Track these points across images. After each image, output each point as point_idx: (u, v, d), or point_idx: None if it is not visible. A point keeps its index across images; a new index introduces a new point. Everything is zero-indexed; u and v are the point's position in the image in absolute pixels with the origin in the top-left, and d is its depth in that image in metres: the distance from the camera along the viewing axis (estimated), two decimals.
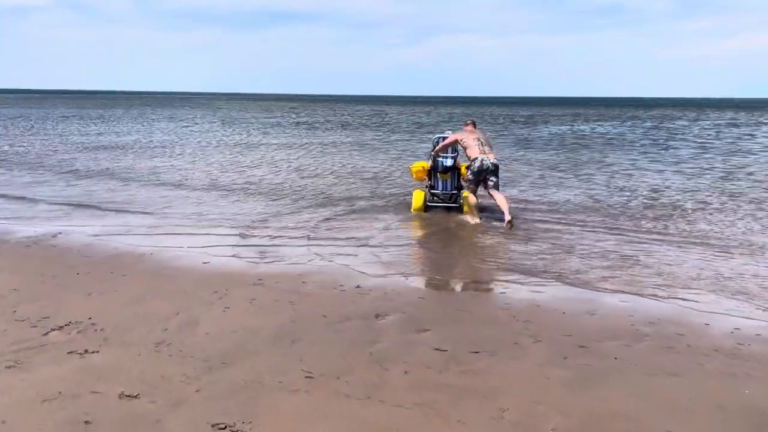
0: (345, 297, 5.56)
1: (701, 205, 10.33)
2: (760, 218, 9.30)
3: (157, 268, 6.48)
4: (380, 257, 7.00)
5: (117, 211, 9.67)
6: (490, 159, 8.80)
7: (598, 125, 37.14)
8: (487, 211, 9.21)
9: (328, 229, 8.39)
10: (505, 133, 30.20)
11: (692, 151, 20.30)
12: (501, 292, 5.84)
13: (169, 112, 52.22)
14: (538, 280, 6.20)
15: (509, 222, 8.33)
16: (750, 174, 14.43)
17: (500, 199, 8.69)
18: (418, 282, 6.13)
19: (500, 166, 8.98)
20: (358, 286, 5.86)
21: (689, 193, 11.60)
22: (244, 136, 26.35)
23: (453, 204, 9.60)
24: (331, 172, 14.59)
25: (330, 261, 6.81)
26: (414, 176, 9.90)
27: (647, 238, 7.94)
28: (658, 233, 8.27)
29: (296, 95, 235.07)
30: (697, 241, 7.85)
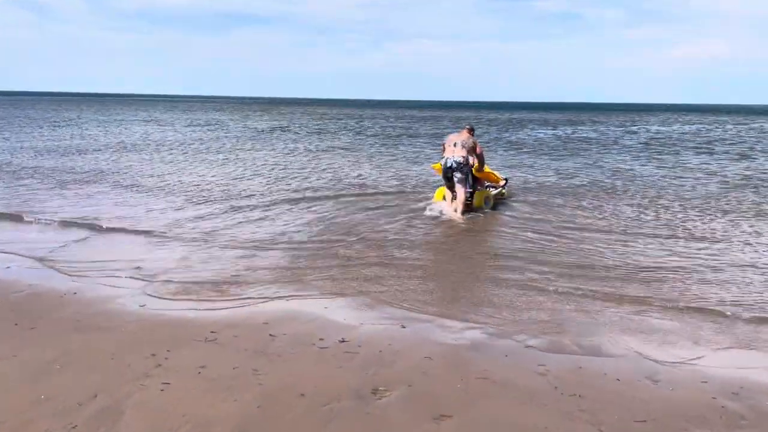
0: (328, 360, 4.19)
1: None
2: None
3: (79, 316, 4.99)
4: (364, 293, 5.65)
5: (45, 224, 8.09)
6: (454, 157, 9.22)
7: (571, 129, 36.61)
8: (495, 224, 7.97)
9: (300, 257, 6.99)
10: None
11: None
12: (527, 345, 4.55)
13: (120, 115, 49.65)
14: (570, 331, 4.95)
15: (455, 218, 9.04)
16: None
17: (459, 194, 9.24)
18: (419, 332, 4.78)
19: (465, 165, 9.18)
20: (342, 341, 4.50)
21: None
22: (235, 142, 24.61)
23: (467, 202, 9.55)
24: (308, 180, 13.15)
25: (302, 299, 5.42)
26: (438, 173, 9.99)
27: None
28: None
29: (256, 98, 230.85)
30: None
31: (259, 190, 11.78)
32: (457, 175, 9.20)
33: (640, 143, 25.68)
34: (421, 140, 26.08)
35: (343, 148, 21.37)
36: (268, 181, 12.93)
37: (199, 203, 10.20)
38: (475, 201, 9.67)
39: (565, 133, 32.57)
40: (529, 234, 8.20)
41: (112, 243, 7.51)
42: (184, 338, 4.51)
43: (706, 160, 18.79)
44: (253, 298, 5.46)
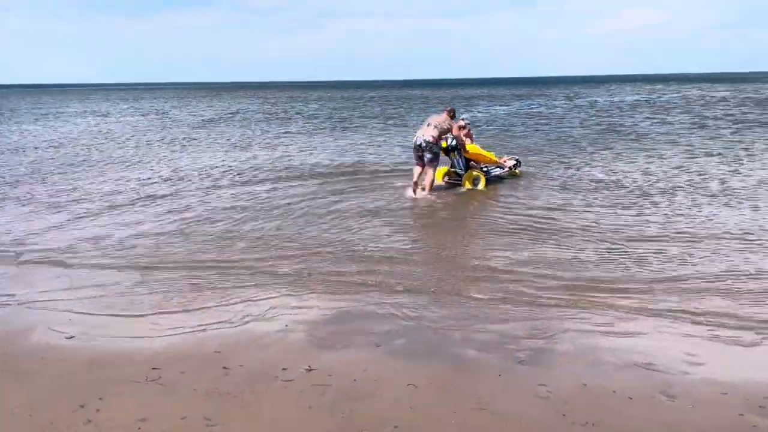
0: (295, 397, 3.54)
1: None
2: None
3: None
4: (328, 307, 5.00)
5: None
6: (424, 137, 9.42)
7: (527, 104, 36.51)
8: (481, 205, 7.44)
9: (254, 264, 6.28)
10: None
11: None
12: (520, 360, 3.99)
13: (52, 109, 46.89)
14: (561, 340, 4.43)
15: (415, 198, 9.21)
16: None
17: (427, 175, 9.44)
18: (397, 351, 4.16)
19: (435, 145, 9.38)
20: (309, 369, 3.86)
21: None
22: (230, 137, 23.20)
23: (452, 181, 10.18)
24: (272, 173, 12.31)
25: (259, 321, 4.73)
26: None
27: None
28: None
29: (190, 83, 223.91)
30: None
31: (205, 189, 10.91)
32: (427, 156, 9.41)
33: (593, 116, 25.66)
34: (376, 121, 25.41)
35: (299, 133, 20.50)
36: (231, 183, 12.02)
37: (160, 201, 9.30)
38: (464, 181, 9.93)
39: (518, 109, 32.40)
40: (508, 218, 7.71)
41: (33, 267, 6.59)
42: (121, 379, 3.78)
43: (668, 130, 18.93)
44: (202, 322, 4.73)
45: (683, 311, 4.74)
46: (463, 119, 10.64)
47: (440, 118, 9.78)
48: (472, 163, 10.22)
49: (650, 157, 13.16)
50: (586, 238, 6.76)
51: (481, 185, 9.95)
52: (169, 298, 5.21)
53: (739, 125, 19.71)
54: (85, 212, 8.73)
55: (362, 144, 17.18)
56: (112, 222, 8.15)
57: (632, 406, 3.39)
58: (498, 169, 10.63)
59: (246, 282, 5.59)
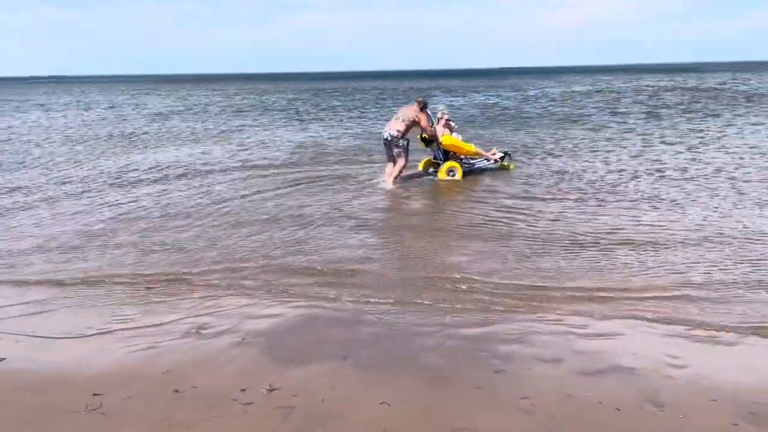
0: (257, 423, 3.18)
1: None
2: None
3: None
4: (290, 317, 4.64)
5: None
6: (389, 131, 9.49)
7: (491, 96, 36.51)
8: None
9: (212, 267, 5.85)
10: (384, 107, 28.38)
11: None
12: (498, 370, 3.72)
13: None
14: (535, 343, 4.20)
15: (387, 187, 9.30)
16: None
17: (397, 165, 9.52)
18: (366, 364, 3.84)
19: (400, 139, 9.43)
20: (271, 389, 3.51)
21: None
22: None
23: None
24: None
25: (209, 338, 4.33)
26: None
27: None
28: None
29: (138, 76, 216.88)
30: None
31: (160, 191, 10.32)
32: (394, 150, 9.50)
33: (548, 106, 25.81)
34: (333, 113, 24.93)
35: (257, 126, 19.88)
36: (184, 181, 11.42)
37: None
38: (440, 172, 9.95)
39: (474, 101, 32.39)
40: (476, 215, 7.48)
41: None
42: (57, 409, 3.36)
43: (623, 119, 19.20)
44: (150, 339, 4.30)
45: (659, 311, 4.56)
46: (441, 110, 10.57)
47: (409, 110, 9.69)
48: (451, 154, 10.17)
49: (609, 147, 13.19)
50: (554, 237, 6.55)
51: (457, 176, 9.89)
52: (112, 314, 4.74)
53: (691, 114, 20.11)
54: (19, 213, 8.09)
55: (322, 136, 16.84)
56: (45, 231, 7.54)
57: (621, 418, 3.17)
58: (484, 161, 10.50)
59: (198, 292, 5.15)
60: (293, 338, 4.23)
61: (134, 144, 16.11)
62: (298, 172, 10.95)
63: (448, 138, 10.12)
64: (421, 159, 10.67)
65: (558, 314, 4.52)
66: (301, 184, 9.80)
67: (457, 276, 5.38)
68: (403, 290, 5.09)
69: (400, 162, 9.53)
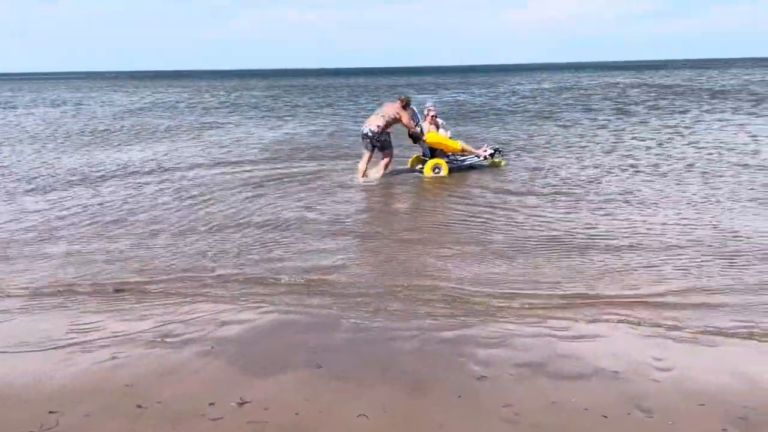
0: None
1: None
2: None
3: None
4: (260, 323, 4.43)
5: None
6: (369, 126, 9.61)
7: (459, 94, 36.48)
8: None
9: (173, 266, 5.60)
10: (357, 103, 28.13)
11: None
12: (480, 376, 3.58)
13: None
14: (514, 346, 4.07)
15: (363, 180, 9.47)
16: None
17: (382, 161, 9.74)
18: (341, 371, 3.66)
19: (380, 134, 9.56)
20: (241, 403, 3.30)
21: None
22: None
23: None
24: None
25: (183, 343, 4.10)
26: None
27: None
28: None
29: (102, 72, 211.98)
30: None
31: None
32: (374, 145, 9.61)
33: (519, 103, 25.90)
34: (305, 110, 24.61)
35: (226, 123, 19.47)
36: (155, 180, 11.05)
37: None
38: (425, 169, 9.93)
39: (446, 98, 32.35)
40: (454, 213, 7.34)
41: None
42: (9, 430, 3.10)
43: (594, 115, 19.31)
44: (109, 349, 4.05)
45: (639, 311, 4.47)
46: (428, 106, 10.54)
47: (391, 108, 9.78)
48: (438, 151, 10.14)
49: (583, 143, 13.21)
50: (532, 237, 6.43)
51: (443, 173, 9.88)
52: (71, 323, 4.45)
53: (659, 111, 20.35)
54: None
55: (296, 133, 16.60)
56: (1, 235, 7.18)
57: (609, 426, 3.05)
58: (474, 158, 10.39)
59: (163, 299, 4.88)
60: (264, 346, 4.03)
61: (106, 141, 15.62)
62: (271, 169, 10.76)
63: (433, 135, 10.04)
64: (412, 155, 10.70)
65: (538, 316, 4.40)
66: (273, 182, 9.59)
67: (434, 278, 5.22)
68: (379, 293, 4.91)
69: (385, 157, 9.72)
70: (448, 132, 10.56)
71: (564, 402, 3.27)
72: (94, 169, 11.22)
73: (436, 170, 9.92)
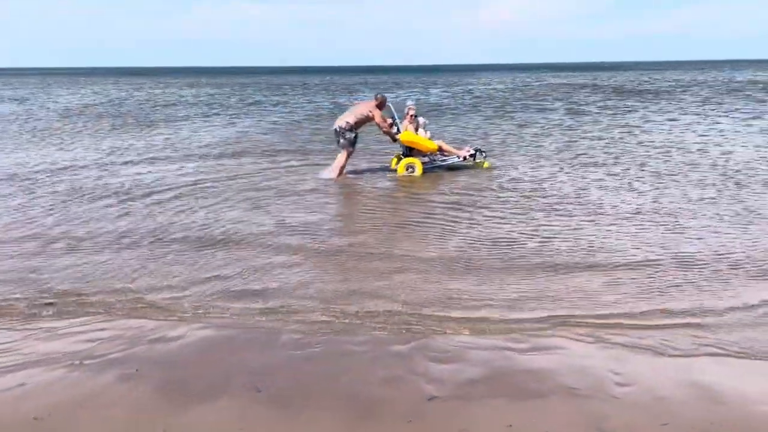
0: None
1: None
2: None
3: None
4: (192, 340, 4.05)
5: None
6: (339, 123, 9.57)
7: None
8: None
9: (92, 275, 5.14)
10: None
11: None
12: (431, 396, 3.31)
13: None
14: (469, 360, 3.81)
15: (325, 176, 9.49)
16: None
17: (337, 159, 9.64)
18: (283, 402, 3.33)
19: (348, 132, 9.48)
20: None
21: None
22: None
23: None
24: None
25: (103, 365, 3.69)
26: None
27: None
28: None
29: (47, 69, 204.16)
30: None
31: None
32: (340, 141, 9.54)
33: (474, 102, 25.92)
34: (259, 107, 24.00)
35: (177, 121, 18.73)
36: (91, 185, 10.38)
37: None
38: (399, 168, 9.82)
39: (401, 98, 32.15)
40: (412, 216, 7.05)
41: None
42: None
43: (548, 115, 19.44)
44: (17, 376, 3.60)
45: (596, 322, 4.24)
46: (409, 105, 10.27)
47: (365, 106, 9.75)
48: (415, 150, 9.97)
49: (537, 142, 13.17)
50: (486, 243, 6.15)
51: (416, 172, 9.72)
52: None
53: (609, 110, 20.65)
54: None
55: (250, 131, 16.16)
56: None
57: None
58: (455, 158, 10.16)
59: (83, 315, 4.40)
60: (198, 367, 3.66)
61: (47, 141, 14.73)
62: (223, 169, 10.28)
63: (406, 134, 9.86)
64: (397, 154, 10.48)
65: (492, 329, 4.14)
66: (215, 182, 9.12)
67: (382, 291, 4.84)
68: (325, 307, 4.54)
69: (344, 154, 9.53)
70: (428, 132, 10.28)
71: (521, 425, 3.03)
72: (27, 170, 10.50)
73: (410, 169, 9.75)
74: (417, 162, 9.79)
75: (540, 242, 6.06)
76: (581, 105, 23.69)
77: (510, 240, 6.15)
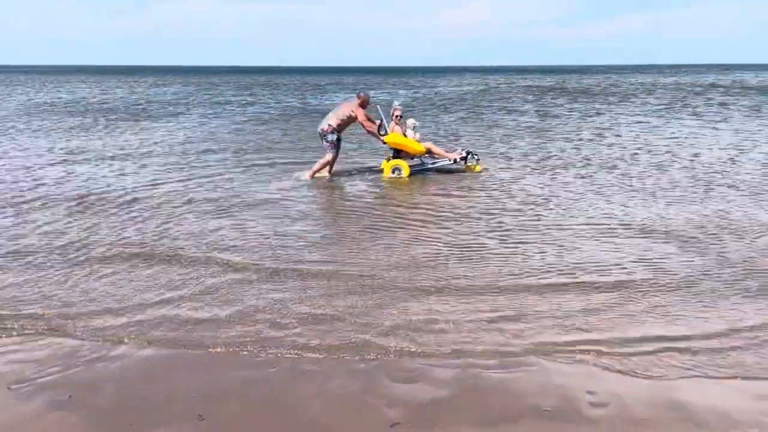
0: None
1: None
2: None
3: None
4: (135, 361, 3.71)
5: None
6: (321, 124, 9.49)
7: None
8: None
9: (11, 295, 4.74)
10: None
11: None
12: (395, 422, 3.04)
13: None
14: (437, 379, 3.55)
15: (307, 176, 9.38)
16: None
17: (324, 158, 9.51)
18: (232, 423, 3.04)
19: (330, 133, 9.39)
20: None
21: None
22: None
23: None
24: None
25: (23, 390, 3.34)
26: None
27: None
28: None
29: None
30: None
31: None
32: (324, 143, 9.47)
33: (442, 104, 25.81)
34: (229, 107, 23.47)
35: (144, 119, 18.12)
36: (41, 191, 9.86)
37: None
38: (384, 170, 9.64)
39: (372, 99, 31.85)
40: (379, 225, 6.78)
41: None
42: None
43: (518, 116, 19.38)
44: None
45: (566, 338, 3.98)
46: (395, 106, 10.05)
47: (347, 106, 9.59)
48: (403, 152, 9.75)
49: (507, 144, 13.04)
50: (454, 254, 5.94)
51: (403, 174, 9.51)
52: None
53: (577, 112, 20.74)
54: None
55: (225, 133, 15.70)
56: None
57: None
58: (445, 161, 9.89)
59: (11, 335, 4.01)
60: (137, 392, 3.33)
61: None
62: (187, 171, 9.86)
63: (392, 136, 9.60)
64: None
65: (456, 345, 3.87)
66: (175, 182, 8.72)
67: (343, 309, 4.47)
68: (279, 325, 4.18)
69: (326, 157, 9.45)
70: (417, 134, 9.94)
71: None
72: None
73: (396, 172, 9.52)
74: (404, 164, 9.54)
75: (512, 255, 5.80)
76: (549, 106, 23.76)
77: (480, 249, 5.91)
